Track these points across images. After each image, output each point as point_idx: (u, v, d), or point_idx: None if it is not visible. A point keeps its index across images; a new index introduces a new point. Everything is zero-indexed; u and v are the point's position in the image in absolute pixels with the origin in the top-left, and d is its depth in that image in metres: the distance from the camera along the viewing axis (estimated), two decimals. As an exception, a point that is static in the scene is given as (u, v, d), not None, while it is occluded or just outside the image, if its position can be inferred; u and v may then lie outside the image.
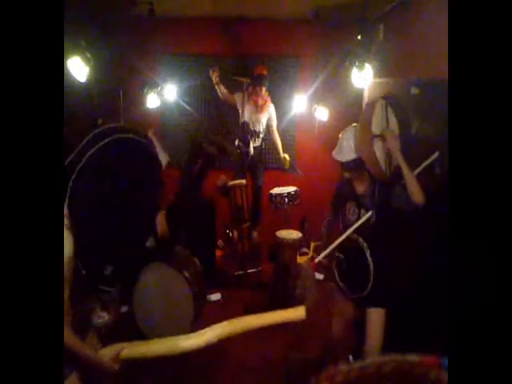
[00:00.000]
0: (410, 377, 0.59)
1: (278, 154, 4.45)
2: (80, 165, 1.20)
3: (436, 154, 2.35)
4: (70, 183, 1.20)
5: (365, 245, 2.21)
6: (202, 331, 1.49)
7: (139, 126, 1.42)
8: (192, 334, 1.51)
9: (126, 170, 1.27)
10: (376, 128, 2.23)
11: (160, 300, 2.71)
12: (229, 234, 4.26)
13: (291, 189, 4.14)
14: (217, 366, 2.81)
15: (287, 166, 4.43)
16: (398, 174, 2.19)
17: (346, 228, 2.36)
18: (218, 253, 4.36)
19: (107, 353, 1.42)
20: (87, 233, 1.24)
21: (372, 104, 2.29)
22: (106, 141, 1.23)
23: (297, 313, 1.50)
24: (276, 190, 4.16)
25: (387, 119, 2.31)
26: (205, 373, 2.72)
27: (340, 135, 2.38)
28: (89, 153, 1.21)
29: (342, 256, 2.33)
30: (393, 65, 3.78)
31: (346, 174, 2.33)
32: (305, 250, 3.97)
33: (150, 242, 1.67)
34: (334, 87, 4.33)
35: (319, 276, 3.25)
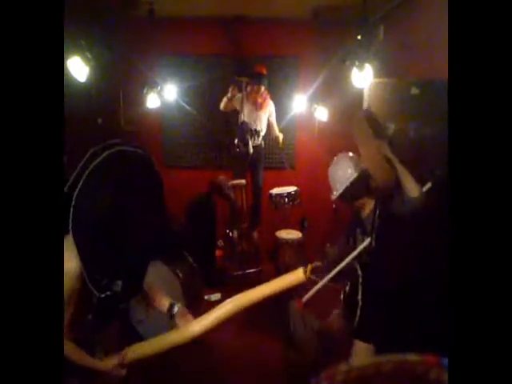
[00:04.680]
0: (410, 377, 0.59)
1: (274, 132, 4.46)
2: (81, 183, 1.19)
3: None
4: (73, 202, 1.19)
5: (359, 272, 2.09)
6: (203, 316, 1.47)
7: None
8: (191, 323, 1.50)
9: (127, 182, 1.26)
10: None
11: None
12: (229, 234, 4.26)
13: (291, 189, 4.14)
14: (215, 366, 2.81)
15: (280, 144, 4.44)
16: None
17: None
18: (218, 253, 4.36)
19: (112, 360, 1.45)
20: (92, 253, 1.23)
21: (359, 118, 2.28)
22: (104, 155, 1.22)
23: (295, 276, 1.44)
24: (276, 190, 4.16)
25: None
26: (202, 375, 2.72)
27: (329, 173, 2.37)
28: (87, 170, 1.20)
29: (347, 282, 2.20)
30: (393, 65, 3.78)
31: (356, 203, 2.32)
32: None
33: None
34: (334, 87, 4.33)
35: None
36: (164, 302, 1.65)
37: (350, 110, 4.28)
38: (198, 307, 2.89)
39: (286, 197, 4.06)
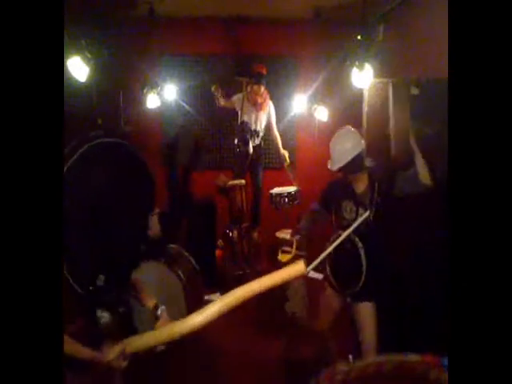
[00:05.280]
0: (410, 377, 0.59)
1: (278, 150, 4.46)
2: (63, 172, 1.15)
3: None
4: None
5: (360, 244, 2.22)
6: (204, 308, 1.45)
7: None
8: (192, 314, 1.48)
9: (113, 173, 1.24)
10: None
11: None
12: (229, 234, 4.25)
13: (291, 189, 4.14)
14: (214, 365, 2.81)
15: (286, 162, 4.44)
16: (402, 162, 2.26)
17: (340, 227, 2.35)
18: (218, 253, 4.36)
19: (112, 352, 1.41)
20: (77, 244, 1.20)
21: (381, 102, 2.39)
22: (87, 146, 1.20)
23: (296, 268, 1.43)
24: (276, 190, 4.16)
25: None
26: (202, 374, 2.72)
27: (330, 145, 2.38)
28: (71, 159, 1.17)
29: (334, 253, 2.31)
30: (393, 65, 3.78)
31: (350, 177, 2.34)
32: (287, 248, 3.90)
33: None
34: (334, 87, 4.33)
35: (318, 275, 3.24)
36: (149, 301, 1.65)
37: (350, 110, 4.29)
38: (198, 308, 2.89)
39: (286, 197, 4.06)
